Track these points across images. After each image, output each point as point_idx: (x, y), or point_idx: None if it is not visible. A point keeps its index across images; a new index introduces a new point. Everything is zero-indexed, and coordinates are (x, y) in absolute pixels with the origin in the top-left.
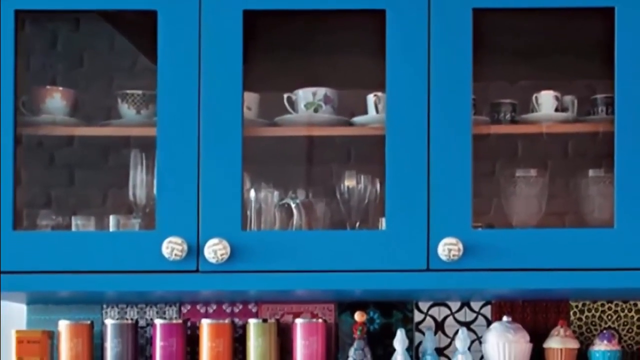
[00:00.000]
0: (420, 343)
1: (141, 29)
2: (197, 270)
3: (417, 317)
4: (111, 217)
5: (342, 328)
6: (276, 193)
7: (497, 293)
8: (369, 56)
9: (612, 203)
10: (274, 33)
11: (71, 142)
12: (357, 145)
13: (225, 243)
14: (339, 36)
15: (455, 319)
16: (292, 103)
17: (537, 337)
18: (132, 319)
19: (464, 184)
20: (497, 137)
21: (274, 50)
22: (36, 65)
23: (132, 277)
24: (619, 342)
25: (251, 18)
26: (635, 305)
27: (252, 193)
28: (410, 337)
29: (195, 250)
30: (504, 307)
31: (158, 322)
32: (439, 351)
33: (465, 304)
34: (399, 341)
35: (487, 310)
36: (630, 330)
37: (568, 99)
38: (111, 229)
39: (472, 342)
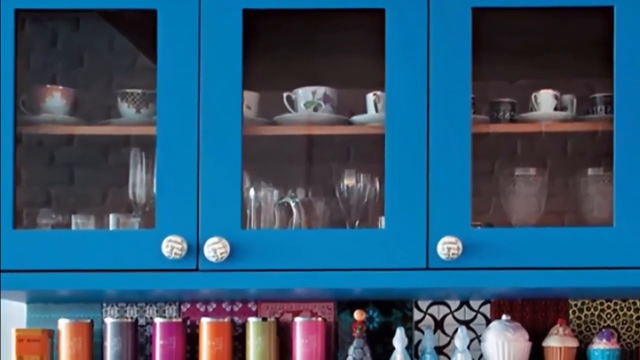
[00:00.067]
0: (419, 342)
1: (141, 28)
2: (196, 269)
3: (417, 315)
4: (111, 216)
5: (341, 327)
6: (276, 192)
7: (496, 292)
8: (369, 55)
9: (611, 202)
10: (273, 32)
11: (71, 141)
12: (356, 144)
13: (224, 242)
14: (339, 35)
15: (454, 317)
16: (291, 102)
17: (536, 336)
18: (131, 318)
19: (463, 182)
20: (496, 136)
21: (273, 49)
22: (36, 64)
23: (131, 275)
24: (618, 340)
25: (251, 17)
26: (634, 304)
27: (252, 192)
28: (409, 336)
29: (195, 249)
30: (503, 306)
31: (158, 320)
32: (439, 350)
33: (465, 302)
34: (399, 340)
35: (487, 309)
36: (629, 329)
37: (567, 98)
38: (111, 227)
39: (472, 340)
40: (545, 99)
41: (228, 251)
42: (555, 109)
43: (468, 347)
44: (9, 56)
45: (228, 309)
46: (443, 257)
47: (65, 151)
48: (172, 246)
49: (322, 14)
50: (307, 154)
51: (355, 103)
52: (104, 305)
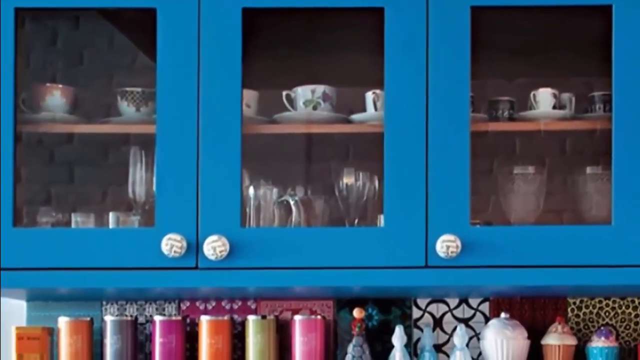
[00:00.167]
0: (418, 339)
1: (141, 27)
2: (196, 267)
3: (416, 313)
4: (111, 214)
5: (340, 325)
6: (275, 190)
7: (495, 290)
8: (368, 54)
9: (609, 200)
10: (273, 31)
11: (71, 139)
12: (355, 142)
13: (224, 240)
14: (338, 34)
15: (453, 315)
16: (291, 100)
17: (535, 334)
18: (131, 316)
19: (462, 181)
20: (495, 134)
21: (273, 47)
22: (36, 63)
23: (131, 273)
24: (617, 338)
25: (250, 15)
26: (633, 301)
27: (251, 190)
28: (408, 334)
29: (194, 247)
30: (502, 304)
31: (157, 318)
32: (437, 348)
33: (464, 300)
34: (398, 338)
35: (485, 307)
36: (627, 327)
37: (566, 96)
38: (111, 226)
39: (470, 338)
40: (544, 98)
41: (227, 249)
42: (554, 107)
43: (467, 345)
44: (9, 55)
45: (227, 307)
46: (442, 255)
47: (65, 149)
48: (171, 244)
49: (321, 12)
50: (307, 152)
51: (354, 101)
52: (104, 303)
